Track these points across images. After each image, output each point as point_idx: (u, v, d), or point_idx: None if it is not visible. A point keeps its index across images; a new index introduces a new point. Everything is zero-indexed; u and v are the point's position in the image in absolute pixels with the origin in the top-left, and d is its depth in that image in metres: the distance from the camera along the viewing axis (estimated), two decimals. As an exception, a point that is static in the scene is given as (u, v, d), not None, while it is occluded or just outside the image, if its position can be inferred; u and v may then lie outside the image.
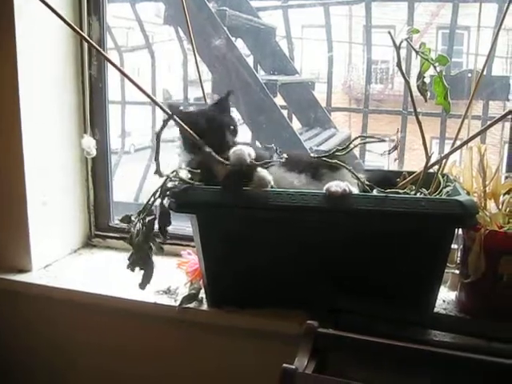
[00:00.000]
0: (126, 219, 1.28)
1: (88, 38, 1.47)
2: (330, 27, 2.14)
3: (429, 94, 1.17)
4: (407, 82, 1.20)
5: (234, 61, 2.06)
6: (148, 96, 1.27)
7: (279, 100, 2.21)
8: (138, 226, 1.26)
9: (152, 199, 1.25)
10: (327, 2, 2.15)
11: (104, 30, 1.71)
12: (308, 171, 1.27)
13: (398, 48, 1.14)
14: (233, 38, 2.11)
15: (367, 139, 1.28)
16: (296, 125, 2.28)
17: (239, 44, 2.26)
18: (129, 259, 1.27)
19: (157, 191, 1.25)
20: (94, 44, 1.34)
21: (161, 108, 1.28)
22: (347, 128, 2.49)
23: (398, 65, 1.17)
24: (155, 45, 2.53)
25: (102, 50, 1.29)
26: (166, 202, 1.24)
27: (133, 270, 1.27)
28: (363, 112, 2.02)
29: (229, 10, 2.08)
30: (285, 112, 2.22)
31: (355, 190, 1.19)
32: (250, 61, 2.27)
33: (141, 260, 1.26)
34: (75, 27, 1.24)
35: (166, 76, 2.88)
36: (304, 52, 2.68)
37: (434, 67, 1.16)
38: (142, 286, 1.27)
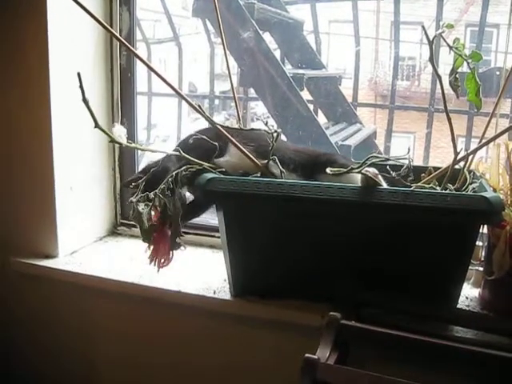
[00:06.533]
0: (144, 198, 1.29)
1: (117, 34, 1.49)
2: (357, 22, 2.13)
3: (460, 90, 1.17)
4: (439, 78, 1.18)
5: (261, 54, 2.06)
6: (176, 91, 1.27)
7: (306, 94, 2.21)
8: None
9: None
10: (355, -4, 2.14)
11: (134, 20, 1.73)
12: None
13: (431, 43, 1.14)
14: (260, 32, 2.11)
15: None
16: (322, 119, 2.28)
17: (266, 37, 2.26)
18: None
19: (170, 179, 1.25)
20: (123, 40, 1.34)
21: (187, 102, 1.29)
22: (372, 124, 2.49)
23: (431, 60, 1.16)
24: (182, 37, 2.54)
25: (129, 46, 1.30)
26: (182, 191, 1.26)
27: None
28: (389, 108, 2.01)
29: (257, 3, 2.09)
30: (311, 106, 2.22)
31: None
32: (277, 54, 2.28)
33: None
34: (105, 24, 1.23)
35: (193, 69, 2.89)
36: (331, 47, 2.67)
37: (468, 63, 1.15)
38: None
